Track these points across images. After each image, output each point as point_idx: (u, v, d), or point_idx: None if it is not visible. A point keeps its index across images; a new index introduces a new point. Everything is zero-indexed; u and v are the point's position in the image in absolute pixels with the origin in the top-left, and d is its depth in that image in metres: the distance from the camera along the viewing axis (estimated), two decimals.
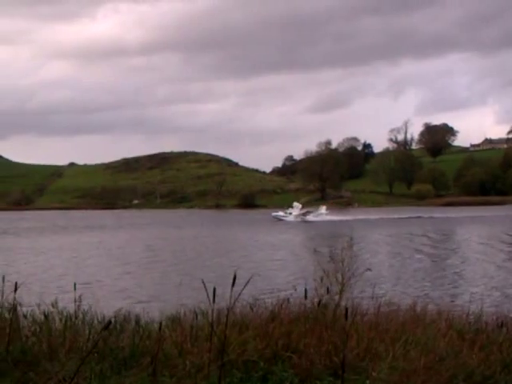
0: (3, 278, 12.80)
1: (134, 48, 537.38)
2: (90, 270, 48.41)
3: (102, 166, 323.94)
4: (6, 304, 12.92)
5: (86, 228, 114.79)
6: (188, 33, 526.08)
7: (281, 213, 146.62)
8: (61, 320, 13.09)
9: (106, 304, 18.67)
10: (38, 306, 13.56)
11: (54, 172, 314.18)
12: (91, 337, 12.09)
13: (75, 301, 13.48)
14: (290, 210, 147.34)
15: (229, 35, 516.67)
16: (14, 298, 12.48)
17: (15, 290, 11.93)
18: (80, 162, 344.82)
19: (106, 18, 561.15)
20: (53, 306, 13.44)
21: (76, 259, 58.47)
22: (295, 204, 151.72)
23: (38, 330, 12.75)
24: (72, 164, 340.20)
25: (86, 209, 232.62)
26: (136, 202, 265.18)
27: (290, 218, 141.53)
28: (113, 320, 12.68)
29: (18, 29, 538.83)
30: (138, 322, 14.13)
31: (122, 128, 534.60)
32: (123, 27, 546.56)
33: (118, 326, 13.27)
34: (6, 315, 12.66)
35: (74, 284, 13.43)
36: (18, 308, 12.93)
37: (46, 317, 13.13)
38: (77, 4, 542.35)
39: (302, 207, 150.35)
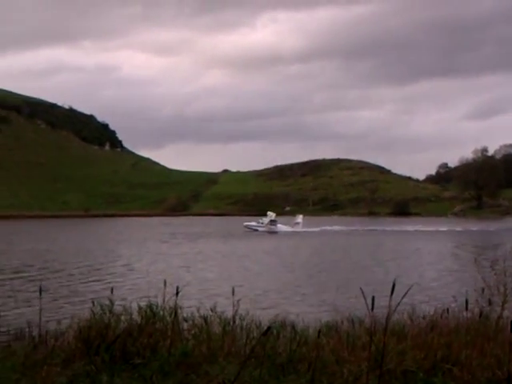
0: (165, 282, 13.20)
1: (291, 56, 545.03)
2: (248, 276, 49.08)
3: (255, 173, 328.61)
4: (168, 307, 13.31)
5: (244, 235, 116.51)
6: (345, 39, 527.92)
7: (253, 223, 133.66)
8: (219, 324, 13.36)
9: (262, 310, 18.86)
10: (198, 309, 13.88)
11: (209, 179, 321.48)
12: (248, 341, 12.25)
13: (233, 306, 13.71)
14: (262, 220, 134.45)
15: (386, 41, 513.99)
16: (175, 302, 12.84)
17: (176, 293, 12.27)
18: (233, 168, 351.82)
19: (265, 26, 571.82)
20: (212, 311, 13.72)
21: (233, 264, 59.46)
22: (269, 213, 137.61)
23: (197, 333, 13.07)
24: (226, 171, 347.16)
25: (239, 215, 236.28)
26: (288, 208, 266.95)
27: (263, 229, 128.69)
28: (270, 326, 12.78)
29: (179, 39, 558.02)
30: (294, 328, 14.18)
31: (276, 135, 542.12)
32: (280, 35, 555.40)
33: (274, 332, 13.37)
34: (168, 318, 13.04)
35: (233, 289, 13.65)
36: (179, 311, 13.29)
37: (205, 321, 13.44)
38: (237, 14, 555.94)
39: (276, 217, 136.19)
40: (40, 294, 14.33)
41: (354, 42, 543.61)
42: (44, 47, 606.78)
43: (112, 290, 13.86)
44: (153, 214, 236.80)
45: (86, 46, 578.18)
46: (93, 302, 13.23)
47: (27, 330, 15.79)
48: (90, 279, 47.00)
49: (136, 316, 13.07)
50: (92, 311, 13.02)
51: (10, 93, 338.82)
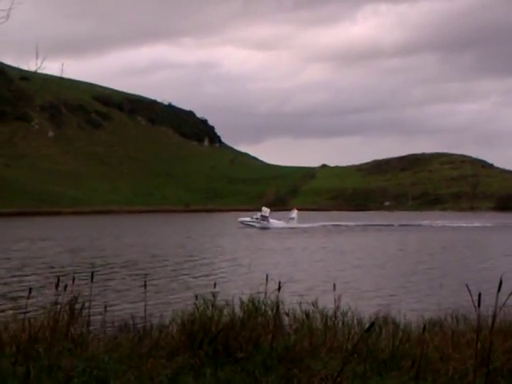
0: (267, 277, 13.25)
1: (391, 49, 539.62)
2: (349, 270, 48.90)
3: (353, 168, 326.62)
4: (269, 302, 13.36)
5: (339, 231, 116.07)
6: (446, 32, 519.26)
7: (248, 218, 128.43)
8: (321, 319, 13.34)
9: (364, 305, 18.74)
10: (300, 304, 13.88)
11: (307, 174, 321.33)
12: (350, 337, 12.21)
13: (334, 301, 13.67)
14: (257, 215, 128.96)
15: (489, 33, 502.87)
16: (277, 297, 12.89)
17: (278, 288, 12.31)
18: (331, 163, 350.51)
19: (365, 20, 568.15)
20: (313, 305, 13.71)
21: (332, 260, 59.33)
22: (263, 209, 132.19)
23: (299, 327, 13.09)
24: (324, 166, 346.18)
25: (337, 210, 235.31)
26: (387, 203, 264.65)
27: (259, 224, 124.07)
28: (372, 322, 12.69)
29: (279, 34, 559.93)
30: (396, 324, 14.04)
31: (374, 130, 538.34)
32: (381, 29, 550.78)
33: (376, 328, 13.26)
34: (270, 312, 13.10)
35: (334, 285, 13.60)
36: (280, 306, 13.33)
37: (307, 316, 13.44)
38: (337, 8, 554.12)
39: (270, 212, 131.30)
40: (145, 287, 14.61)
41: (455, 34, 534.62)
42: (146, 45, 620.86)
43: (215, 284, 14.02)
44: (251, 208, 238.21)
45: (186, 43, 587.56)
46: (196, 296, 13.41)
47: (131, 322, 16.11)
48: (192, 273, 47.78)
49: (238, 310, 13.18)
50: (195, 305, 13.20)
51: (113, 90, 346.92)
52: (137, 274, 44.70)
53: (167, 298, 32.85)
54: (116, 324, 15.75)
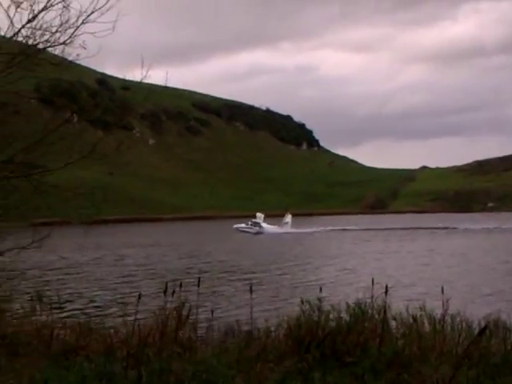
0: (372, 281, 13.16)
1: (493, 47, 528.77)
2: (456, 274, 48.04)
3: (454, 169, 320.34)
4: (376, 306, 13.26)
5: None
6: None
7: (243, 224, 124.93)
8: (429, 323, 13.14)
9: (473, 309, 18.35)
10: (407, 308, 13.70)
11: (407, 176, 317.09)
12: (460, 341, 11.98)
13: (443, 304, 13.43)
14: (256, 221, 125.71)
15: None
16: (385, 301, 12.78)
17: (386, 292, 12.22)
18: (432, 165, 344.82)
19: (467, 18, 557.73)
20: (421, 309, 13.51)
21: (436, 263, 58.46)
22: (258, 215, 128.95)
23: (407, 332, 12.93)
24: (424, 167, 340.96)
25: (439, 212, 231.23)
26: (491, 204, 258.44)
27: (254, 230, 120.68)
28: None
29: (377, 36, 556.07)
30: (507, 328, 13.68)
31: (475, 129, 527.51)
32: (483, 27, 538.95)
33: (487, 332, 12.96)
34: (377, 317, 13.00)
35: (442, 288, 13.39)
36: (387, 310, 13.20)
37: (414, 320, 13.26)
38: (436, 7, 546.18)
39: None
40: (250, 292, 14.73)
41: None
42: (244, 51, 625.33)
43: (321, 288, 13.99)
44: (351, 212, 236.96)
45: (284, 48, 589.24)
46: (301, 301, 13.42)
47: (237, 327, 16.24)
48: (297, 278, 47.89)
49: (345, 314, 13.12)
50: (301, 309, 13.22)
51: (211, 97, 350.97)
52: (241, 279, 45.12)
53: (272, 303, 32.97)
54: (222, 329, 15.93)
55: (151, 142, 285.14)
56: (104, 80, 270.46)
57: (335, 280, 45.88)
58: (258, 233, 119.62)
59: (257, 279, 45.21)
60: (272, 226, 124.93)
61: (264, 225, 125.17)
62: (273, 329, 13.92)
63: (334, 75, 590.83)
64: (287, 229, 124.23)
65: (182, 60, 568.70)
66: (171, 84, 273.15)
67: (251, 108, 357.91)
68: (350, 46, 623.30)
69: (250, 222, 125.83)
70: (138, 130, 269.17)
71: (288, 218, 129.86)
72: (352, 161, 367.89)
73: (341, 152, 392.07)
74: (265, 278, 48.47)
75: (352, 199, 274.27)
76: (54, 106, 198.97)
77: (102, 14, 11.61)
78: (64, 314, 21.06)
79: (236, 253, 72.51)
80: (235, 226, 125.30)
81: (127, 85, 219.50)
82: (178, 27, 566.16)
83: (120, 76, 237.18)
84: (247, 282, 34.99)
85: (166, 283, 13.15)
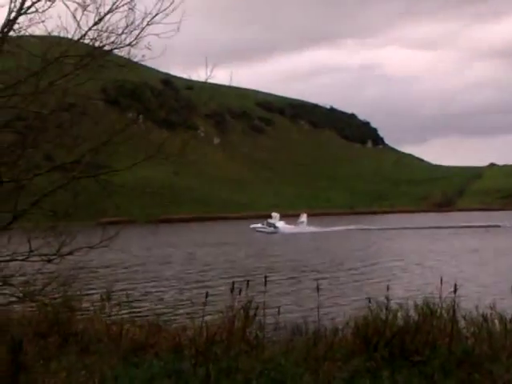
0: (441, 280, 12.98)
1: None
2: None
3: None
4: (444, 305, 13.08)
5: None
6: None
7: (259, 224, 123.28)
8: (500, 323, 12.90)
9: None
10: (476, 307, 13.47)
11: (474, 173, 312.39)
12: None
13: None
14: (270, 221, 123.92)
15: None
16: (454, 299, 12.60)
17: (454, 291, 12.05)
18: (500, 162, 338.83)
19: None
20: (491, 309, 13.27)
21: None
22: (273, 214, 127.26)
23: (476, 331, 12.72)
24: (492, 165, 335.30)
25: (509, 210, 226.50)
26: None
27: (269, 229, 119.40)
28: None
29: (444, 32, 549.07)
30: None
31: None
32: None
33: None
34: (445, 316, 12.82)
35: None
36: (456, 309, 13.01)
37: (484, 319, 13.03)
38: (503, 1, 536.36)
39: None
40: (317, 291, 14.68)
41: None
42: (308, 49, 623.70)
43: (388, 287, 13.87)
44: (418, 210, 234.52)
45: (348, 45, 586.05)
46: (369, 299, 13.33)
47: (304, 325, 16.20)
48: (363, 276, 47.62)
49: (413, 313, 12.98)
50: (368, 308, 13.12)
51: (275, 96, 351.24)
52: (308, 278, 45.05)
53: (338, 302, 32.86)
54: (288, 327, 15.92)
55: (216, 141, 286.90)
56: (168, 80, 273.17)
57: (404, 278, 45.50)
58: (272, 232, 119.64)
59: (324, 277, 45.06)
60: (288, 226, 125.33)
61: (279, 224, 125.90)
62: (340, 327, 13.86)
63: (399, 72, 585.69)
64: (303, 228, 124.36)
65: (245, 59, 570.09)
66: (235, 83, 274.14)
67: (315, 106, 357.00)
68: (414, 43, 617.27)
69: (265, 222, 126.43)
70: (202, 129, 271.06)
71: (303, 217, 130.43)
72: (418, 158, 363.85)
73: (407, 150, 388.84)
74: (333, 275, 48.31)
75: (419, 197, 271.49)
76: (120, 106, 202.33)
77: (167, 15, 11.72)
78: (132, 312, 21.30)
79: (301, 253, 72.43)
80: (252, 225, 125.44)
81: (191, 85, 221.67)
82: (241, 26, 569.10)
83: (184, 76, 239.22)
84: (314, 279, 34.75)
85: (233, 282, 13.22)
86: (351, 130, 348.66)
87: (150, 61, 12.22)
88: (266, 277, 14.52)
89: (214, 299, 16.75)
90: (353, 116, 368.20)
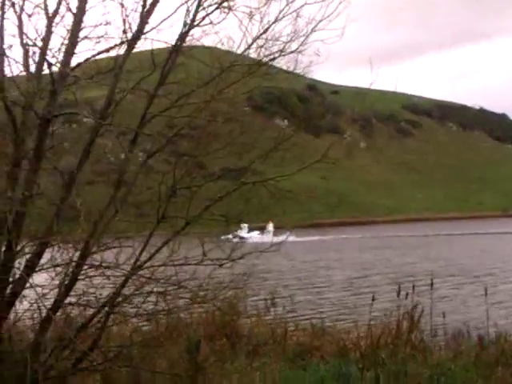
0: None
1: None
2: None
3: None
4: None
5: None
6: None
7: (230, 236, 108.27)
8: None
9: None
10: None
11: None
12: None
13: None
14: (239, 232, 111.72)
15: None
16: None
17: None
18: None
19: None
20: None
21: None
22: (242, 225, 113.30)
23: None
24: None
25: None
26: None
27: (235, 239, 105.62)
28: None
29: None
30: None
31: None
32: None
33: None
34: None
35: None
36: None
37: None
38: None
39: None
40: (485, 294, 14.41)
41: None
42: (458, 48, 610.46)
43: None
44: None
45: (499, 44, 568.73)
46: None
47: (468, 330, 15.95)
48: None
49: None
50: None
51: (421, 98, 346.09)
52: (473, 282, 43.99)
53: (508, 306, 31.86)
54: (454, 331, 15.70)
55: (362, 145, 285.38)
56: (313, 85, 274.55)
57: None
58: (238, 243, 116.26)
59: (491, 282, 43.77)
60: (255, 236, 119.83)
61: (246, 235, 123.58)
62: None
63: None
64: (268, 238, 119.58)
65: (391, 61, 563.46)
66: (380, 86, 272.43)
67: (463, 108, 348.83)
68: None
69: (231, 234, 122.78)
70: (348, 133, 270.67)
71: (270, 226, 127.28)
72: None
73: None
74: (499, 279, 46.92)
75: None
76: (267, 112, 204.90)
77: (331, 21, 11.81)
78: (295, 316, 21.57)
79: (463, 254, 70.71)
80: (222, 237, 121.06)
81: (336, 89, 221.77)
82: (389, 28, 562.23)
83: (330, 81, 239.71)
84: (481, 284, 33.76)
85: (399, 285, 13.19)
86: (502, 130, 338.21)
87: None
88: (432, 280, 14.39)
89: (377, 303, 16.73)
90: (503, 116, 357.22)
